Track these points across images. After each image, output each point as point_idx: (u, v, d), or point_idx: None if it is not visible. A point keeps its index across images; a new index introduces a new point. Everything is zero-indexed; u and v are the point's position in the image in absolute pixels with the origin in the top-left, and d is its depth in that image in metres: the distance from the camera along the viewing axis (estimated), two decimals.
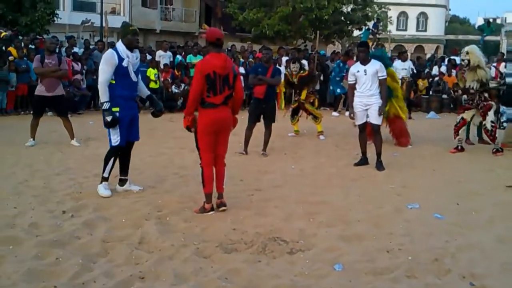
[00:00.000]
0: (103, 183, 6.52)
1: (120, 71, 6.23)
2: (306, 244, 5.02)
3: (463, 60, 9.76)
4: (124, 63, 6.25)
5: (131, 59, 6.31)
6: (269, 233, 5.26)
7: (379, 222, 5.71)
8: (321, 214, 5.90)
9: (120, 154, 6.70)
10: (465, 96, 10.13)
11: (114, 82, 6.26)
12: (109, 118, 6.20)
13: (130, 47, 6.34)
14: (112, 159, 6.50)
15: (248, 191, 6.87)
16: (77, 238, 5.02)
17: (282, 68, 13.96)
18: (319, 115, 11.57)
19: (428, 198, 6.75)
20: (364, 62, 8.47)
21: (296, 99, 11.49)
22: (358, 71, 8.46)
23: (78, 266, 4.31)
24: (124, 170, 6.76)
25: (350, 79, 8.61)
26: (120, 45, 6.35)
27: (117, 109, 6.29)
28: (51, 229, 5.19)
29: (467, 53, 9.61)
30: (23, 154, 8.77)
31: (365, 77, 8.38)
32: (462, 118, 10.00)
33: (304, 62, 15.90)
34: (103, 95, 6.24)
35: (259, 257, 4.69)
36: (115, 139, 6.38)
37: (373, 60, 8.61)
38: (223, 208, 5.97)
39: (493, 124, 9.73)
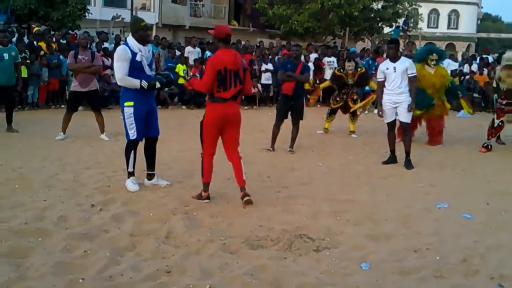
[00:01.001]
0: (130, 178, 6.57)
1: (134, 66, 6.24)
2: (332, 242, 4.99)
3: None
4: (138, 58, 6.26)
5: (144, 52, 6.32)
6: (295, 230, 5.24)
7: (407, 221, 5.64)
8: (348, 212, 5.86)
9: (145, 149, 6.76)
10: (496, 96, 9.96)
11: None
12: (157, 84, 6.25)
13: (142, 42, 6.33)
14: (132, 153, 6.51)
15: (275, 188, 6.86)
16: (105, 231, 5.07)
17: (311, 65, 13.92)
18: (366, 104, 11.55)
19: (458, 197, 6.65)
20: (394, 59, 8.38)
21: (338, 99, 11.44)
22: (387, 68, 8.38)
23: (106, 259, 4.35)
24: (150, 165, 6.80)
25: (379, 76, 8.54)
26: (131, 40, 6.33)
27: (131, 103, 6.30)
28: (79, 222, 5.25)
29: None
30: (53, 148, 8.89)
31: (394, 75, 8.30)
32: (502, 122, 9.84)
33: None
34: (132, 83, 6.24)
35: (285, 254, 4.68)
36: (132, 133, 6.40)
37: (403, 57, 8.55)
38: (248, 198, 5.99)
39: None
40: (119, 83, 6.41)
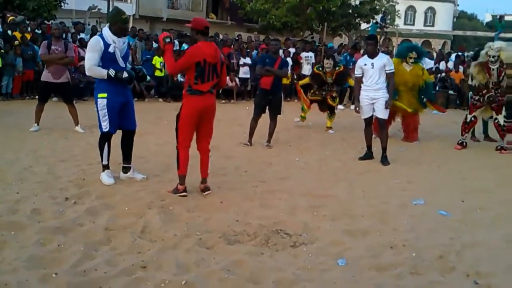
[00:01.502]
0: (105, 171, 6.49)
1: (106, 57, 6.16)
2: (309, 237, 4.98)
3: (493, 56, 9.47)
4: (111, 49, 6.18)
5: (117, 44, 6.22)
6: (272, 225, 5.22)
7: (383, 218, 5.66)
8: (325, 208, 5.87)
9: (122, 142, 6.69)
10: (471, 93, 10.07)
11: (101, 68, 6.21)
12: (124, 75, 6.16)
13: (118, 35, 6.24)
14: (106, 146, 6.44)
15: (252, 182, 6.83)
16: (79, 225, 5.00)
17: (289, 60, 13.90)
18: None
19: (433, 194, 6.70)
20: (372, 55, 8.40)
21: (317, 92, 11.44)
22: (365, 64, 8.40)
23: (80, 254, 4.29)
24: (126, 157, 6.72)
25: (357, 72, 8.56)
26: (106, 31, 6.25)
27: (104, 95, 6.23)
28: (53, 216, 5.17)
29: (498, 49, 9.44)
30: (27, 140, 8.74)
31: (372, 71, 8.32)
32: (474, 117, 9.93)
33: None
34: (100, 73, 6.16)
35: (262, 250, 4.66)
36: (105, 125, 6.31)
37: (380, 54, 8.58)
38: (208, 192, 6.15)
39: (506, 120, 9.66)
40: (87, 73, 6.32)
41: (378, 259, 4.56)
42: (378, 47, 9.05)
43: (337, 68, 11.46)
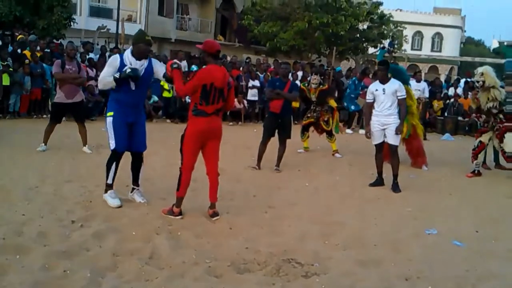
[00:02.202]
0: (109, 191, 6.41)
1: None
2: (321, 267, 4.84)
3: (477, 81, 9.53)
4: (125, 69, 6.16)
5: (133, 65, 6.17)
6: (283, 253, 5.09)
7: (396, 247, 5.53)
8: (336, 236, 5.73)
9: (131, 164, 6.61)
10: (481, 119, 9.96)
11: (113, 87, 6.19)
12: (128, 70, 6.07)
13: (138, 56, 6.21)
14: (114, 165, 6.37)
15: (261, 208, 6.70)
16: (86, 249, 4.89)
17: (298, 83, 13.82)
18: (335, 129, 11.41)
19: (446, 223, 6.56)
20: (383, 81, 8.33)
21: (309, 115, 11.30)
22: (376, 90, 8.32)
23: (86, 280, 4.18)
24: (134, 179, 6.66)
25: (368, 97, 8.47)
26: (127, 52, 6.29)
27: (111, 113, 6.23)
28: (59, 239, 5.07)
29: (482, 74, 9.44)
30: (34, 159, 8.67)
31: (383, 96, 8.24)
32: (480, 141, 9.81)
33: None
34: (106, 80, 6.15)
35: (273, 280, 4.52)
36: (112, 143, 6.29)
37: (392, 79, 8.48)
38: (216, 217, 6.03)
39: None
40: (99, 85, 6.36)
41: None
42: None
43: (321, 86, 11.30)
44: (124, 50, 16.32)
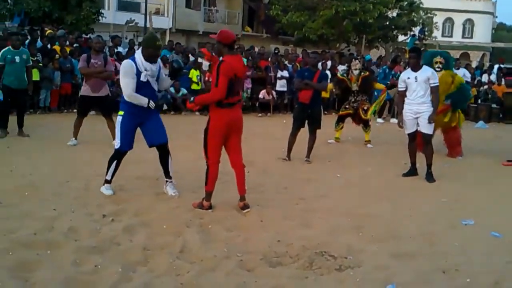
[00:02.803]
0: (105, 185, 6.46)
1: (139, 84, 6.09)
2: (355, 260, 4.73)
3: None
4: (143, 78, 6.09)
5: (150, 72, 6.12)
6: (315, 246, 4.99)
7: (432, 239, 5.38)
8: (370, 228, 5.60)
9: (159, 158, 6.57)
10: None
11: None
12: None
13: (149, 59, 6.12)
14: (114, 163, 6.41)
15: (292, 200, 6.60)
16: (116, 244, 4.86)
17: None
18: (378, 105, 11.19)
19: (483, 214, 6.36)
20: (415, 68, 8.12)
21: (347, 106, 11.10)
22: (408, 78, 8.12)
23: (117, 275, 4.14)
24: (165, 172, 6.62)
25: (400, 86, 8.29)
26: (139, 56, 6.13)
27: (121, 113, 6.22)
28: (90, 234, 5.04)
29: None
30: (65, 154, 8.70)
31: (416, 84, 8.04)
32: None
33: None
34: (140, 101, 6.11)
35: (306, 273, 4.43)
36: (117, 142, 6.31)
37: (424, 67, 8.27)
38: (247, 210, 5.95)
39: None
40: (127, 100, 6.14)
41: (430, 285, 4.29)
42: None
43: (362, 73, 11.11)
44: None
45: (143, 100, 6.09)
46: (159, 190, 6.62)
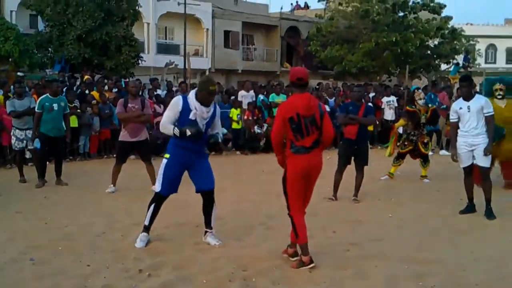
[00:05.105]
0: (142, 233, 6.17)
1: (186, 122, 5.81)
2: None
3: None
4: (191, 116, 5.82)
5: (199, 112, 5.83)
6: None
7: (502, 287, 4.80)
8: (432, 277, 5.06)
9: (203, 205, 6.21)
10: None
11: None
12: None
13: (202, 103, 5.86)
14: (153, 206, 6.12)
15: (342, 245, 6.10)
16: None
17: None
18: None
19: None
20: (468, 97, 7.61)
21: (406, 143, 10.52)
22: (461, 108, 7.61)
23: None
24: (206, 221, 6.25)
25: (453, 116, 7.77)
26: (192, 95, 5.92)
27: (167, 156, 5.99)
28: None
29: None
30: (102, 202, 8.43)
31: (469, 114, 7.52)
32: None
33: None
34: (168, 130, 5.85)
35: None
36: (158, 186, 6.06)
37: (477, 95, 7.76)
38: (296, 258, 5.42)
39: None
40: (160, 129, 6.02)
41: None
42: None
43: (429, 105, 10.60)
44: (192, 84, 16.28)
45: (170, 128, 5.82)
46: (201, 238, 6.22)
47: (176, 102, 5.89)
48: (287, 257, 5.56)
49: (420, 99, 10.37)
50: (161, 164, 6.04)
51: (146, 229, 6.17)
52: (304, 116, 5.24)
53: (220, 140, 6.15)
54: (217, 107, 6.19)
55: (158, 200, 6.12)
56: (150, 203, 6.16)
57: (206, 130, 5.99)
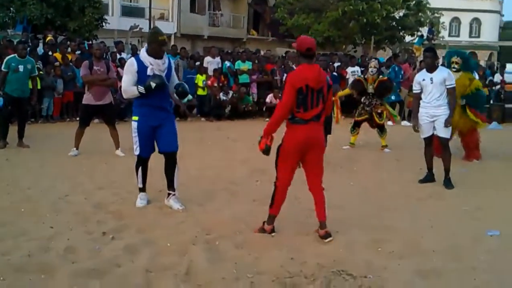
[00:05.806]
0: (140, 193, 6.30)
1: (145, 80, 5.78)
2: (376, 280, 4.33)
3: None
4: (149, 72, 5.81)
5: (155, 66, 5.83)
6: (332, 264, 4.59)
7: (457, 253, 4.98)
8: (389, 242, 5.20)
9: (165, 166, 6.24)
10: None
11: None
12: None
13: (154, 56, 5.84)
14: (140, 170, 6.23)
15: (304, 211, 6.18)
16: (117, 266, 4.48)
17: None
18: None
19: (509, 223, 5.96)
20: (431, 69, 7.74)
21: (362, 111, 10.67)
22: (423, 80, 7.74)
23: None
24: (168, 183, 6.27)
25: (415, 88, 7.91)
26: (143, 52, 5.93)
27: (136, 118, 6.01)
28: (89, 255, 4.68)
29: None
30: (65, 165, 8.37)
31: (431, 86, 7.65)
32: None
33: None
34: (132, 92, 5.88)
35: None
36: (135, 148, 6.13)
37: (440, 67, 7.91)
38: (330, 239, 5.23)
39: None
40: (124, 96, 6.13)
41: None
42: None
43: (381, 76, 10.73)
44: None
45: (134, 90, 5.82)
46: (163, 203, 6.25)
47: (131, 64, 5.92)
48: (250, 222, 5.63)
49: (373, 67, 10.48)
50: (132, 128, 6.05)
51: (142, 190, 6.30)
52: (313, 88, 5.07)
53: (187, 90, 6.18)
54: (170, 59, 6.20)
55: (142, 162, 6.22)
56: (136, 167, 6.26)
57: (166, 85, 6.01)
